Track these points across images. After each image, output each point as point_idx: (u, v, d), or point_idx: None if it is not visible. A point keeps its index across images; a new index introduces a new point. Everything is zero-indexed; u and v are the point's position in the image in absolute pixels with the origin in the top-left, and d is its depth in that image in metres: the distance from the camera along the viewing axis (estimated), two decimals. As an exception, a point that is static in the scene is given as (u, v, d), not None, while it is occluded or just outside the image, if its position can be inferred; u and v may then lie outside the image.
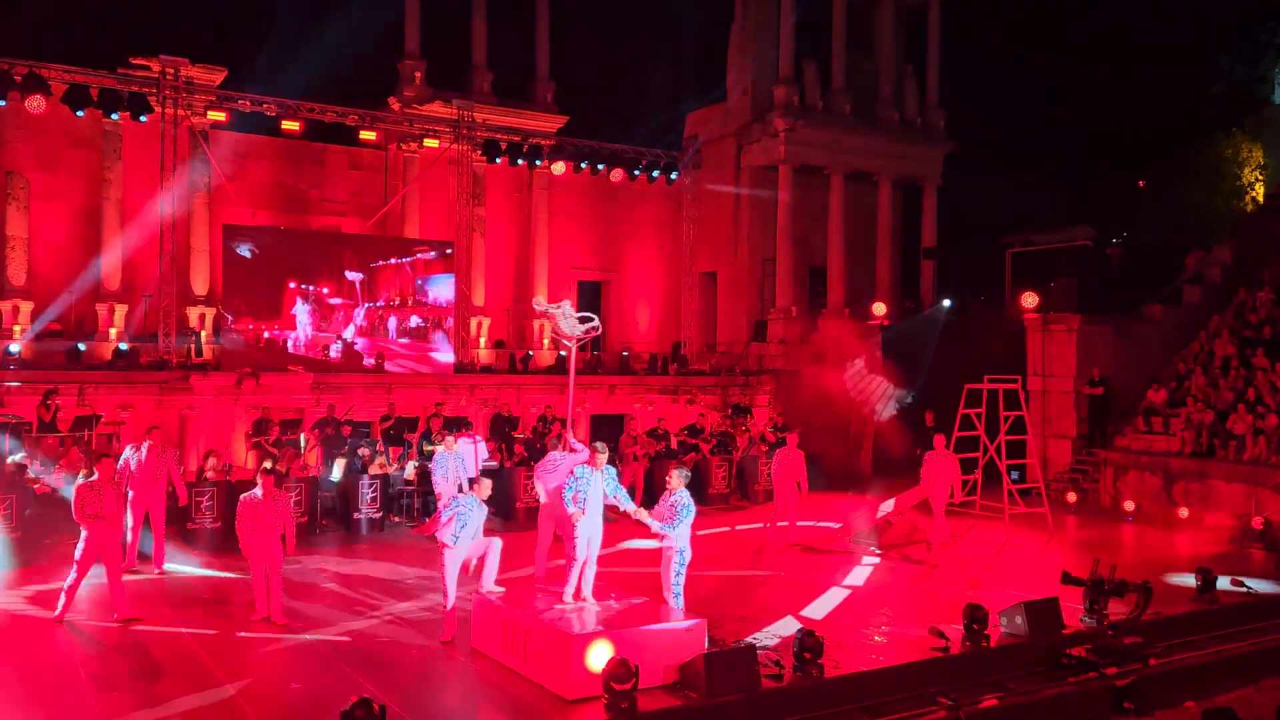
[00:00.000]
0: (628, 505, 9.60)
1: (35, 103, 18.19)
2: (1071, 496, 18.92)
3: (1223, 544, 15.71)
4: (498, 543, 9.86)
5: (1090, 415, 20.71)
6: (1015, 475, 17.32)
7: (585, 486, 9.40)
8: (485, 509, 9.90)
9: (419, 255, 21.26)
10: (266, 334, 19.60)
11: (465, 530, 9.63)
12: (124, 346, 18.96)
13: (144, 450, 12.68)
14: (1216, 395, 19.28)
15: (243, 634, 10.02)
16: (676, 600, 9.55)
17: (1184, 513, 17.51)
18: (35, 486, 13.57)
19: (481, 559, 9.80)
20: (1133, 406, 20.39)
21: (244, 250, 19.45)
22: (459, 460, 13.98)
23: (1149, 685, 9.23)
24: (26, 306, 18.99)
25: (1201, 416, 18.72)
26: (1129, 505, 18.12)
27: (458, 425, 17.04)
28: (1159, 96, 30.17)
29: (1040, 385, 21.00)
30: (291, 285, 19.85)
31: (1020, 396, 17.19)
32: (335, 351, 20.25)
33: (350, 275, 20.39)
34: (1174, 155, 29.50)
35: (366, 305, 20.57)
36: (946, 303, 23.96)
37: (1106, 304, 22.38)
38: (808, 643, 8.78)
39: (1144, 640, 9.46)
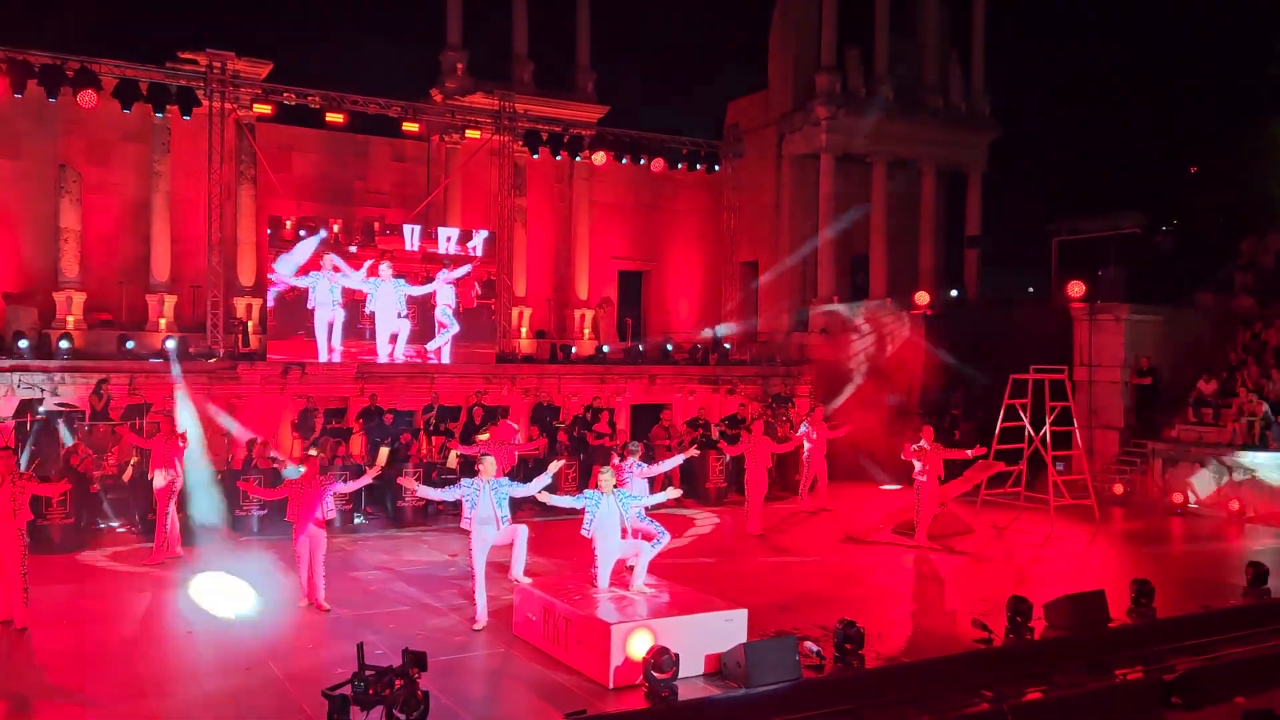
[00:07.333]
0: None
1: (87, 97, 18.51)
2: (1119, 488, 18.61)
3: (1275, 537, 15.40)
4: (524, 530, 9.90)
5: (1138, 406, 20.33)
6: (1061, 467, 17.12)
7: (595, 509, 9.40)
8: (501, 490, 9.80)
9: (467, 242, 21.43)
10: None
11: (477, 512, 9.66)
12: (172, 341, 19.20)
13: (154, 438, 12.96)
14: (1270, 386, 18.86)
15: (288, 620, 10.18)
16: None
17: (1235, 505, 17.18)
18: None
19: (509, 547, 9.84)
20: (1182, 397, 20.00)
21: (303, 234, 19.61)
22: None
23: (1199, 680, 9.08)
24: (79, 297, 19.38)
25: (1254, 408, 18.33)
26: (1178, 498, 17.80)
27: (496, 415, 17.17)
28: (1211, 78, 29.49)
29: (1087, 375, 20.65)
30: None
31: (1067, 387, 16.94)
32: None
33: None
34: (1227, 139, 28.81)
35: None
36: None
37: (1156, 292, 21.91)
38: (849, 633, 8.74)
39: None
